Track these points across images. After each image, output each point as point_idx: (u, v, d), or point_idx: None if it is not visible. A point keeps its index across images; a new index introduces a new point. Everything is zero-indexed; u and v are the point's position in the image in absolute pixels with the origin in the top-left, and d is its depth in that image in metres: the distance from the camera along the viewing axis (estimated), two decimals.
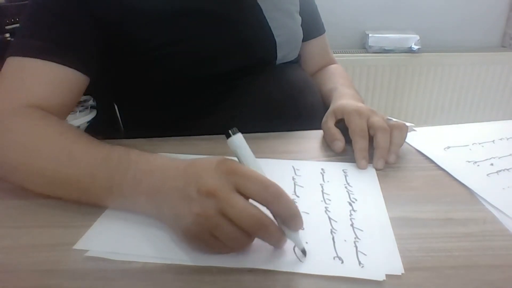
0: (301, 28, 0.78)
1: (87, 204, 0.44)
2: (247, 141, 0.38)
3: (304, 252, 0.36)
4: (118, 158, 0.44)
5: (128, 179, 0.41)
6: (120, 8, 0.58)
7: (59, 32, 0.56)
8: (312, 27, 0.84)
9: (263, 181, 0.35)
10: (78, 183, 0.44)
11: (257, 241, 0.36)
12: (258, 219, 0.34)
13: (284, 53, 0.72)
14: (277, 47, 0.70)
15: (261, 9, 0.69)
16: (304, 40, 0.80)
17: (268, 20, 0.69)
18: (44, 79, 0.54)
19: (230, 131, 0.37)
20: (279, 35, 0.70)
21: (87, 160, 0.45)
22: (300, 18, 0.78)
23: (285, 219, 0.35)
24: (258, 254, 0.37)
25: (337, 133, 0.57)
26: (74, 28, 0.57)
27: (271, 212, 0.35)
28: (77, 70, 0.56)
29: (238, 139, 0.37)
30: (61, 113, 0.56)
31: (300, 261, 0.36)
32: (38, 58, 0.53)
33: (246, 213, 0.33)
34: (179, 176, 0.38)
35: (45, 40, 0.55)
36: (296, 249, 0.37)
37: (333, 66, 0.89)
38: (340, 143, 0.56)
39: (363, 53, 1.73)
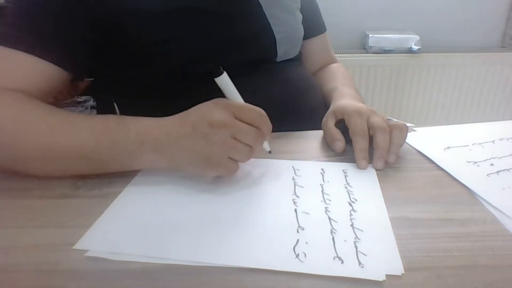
0: (301, 25, 0.78)
1: (92, 174, 0.47)
2: None
3: (269, 151, 0.52)
4: (116, 123, 0.48)
5: (131, 140, 0.46)
6: (118, 8, 0.58)
7: (45, 27, 0.55)
8: (313, 26, 0.84)
9: (253, 109, 0.46)
10: (82, 150, 0.46)
11: (257, 241, 0.36)
12: (259, 133, 0.46)
13: (284, 50, 0.72)
14: (277, 44, 0.70)
15: (260, 6, 0.69)
16: (304, 38, 0.80)
17: (268, 17, 0.69)
18: (22, 70, 0.54)
19: (218, 70, 0.46)
20: (279, 32, 0.70)
21: (86, 128, 0.48)
22: (300, 15, 0.78)
23: (266, 132, 0.47)
24: (258, 254, 0.37)
25: (337, 133, 0.57)
26: (64, 25, 0.56)
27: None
28: (57, 65, 0.56)
29: (224, 78, 0.47)
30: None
31: (269, 153, 0.53)
32: (17, 49, 0.53)
33: (251, 132, 0.45)
34: (182, 127, 0.46)
35: (28, 32, 0.54)
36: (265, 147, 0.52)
37: (334, 65, 0.89)
38: (340, 143, 0.56)
39: (363, 53, 1.73)
